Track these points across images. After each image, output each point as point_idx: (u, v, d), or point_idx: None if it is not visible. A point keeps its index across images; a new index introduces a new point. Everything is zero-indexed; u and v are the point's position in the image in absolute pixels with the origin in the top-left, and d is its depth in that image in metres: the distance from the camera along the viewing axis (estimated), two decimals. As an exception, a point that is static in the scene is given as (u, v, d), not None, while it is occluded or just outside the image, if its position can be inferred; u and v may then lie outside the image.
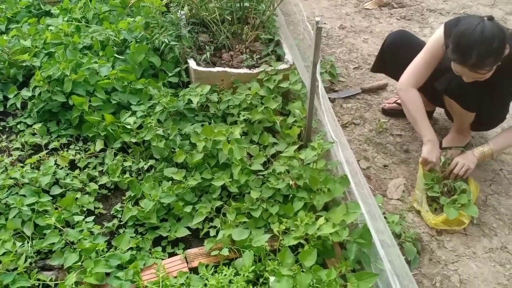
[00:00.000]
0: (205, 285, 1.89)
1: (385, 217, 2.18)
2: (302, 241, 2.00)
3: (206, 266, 2.02)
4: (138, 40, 3.13)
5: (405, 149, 2.75)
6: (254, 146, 2.47)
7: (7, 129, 2.84)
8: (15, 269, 1.94)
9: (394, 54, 2.68)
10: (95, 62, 2.90)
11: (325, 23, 4.00)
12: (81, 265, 1.96)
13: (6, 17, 3.58)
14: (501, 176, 2.57)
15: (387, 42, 2.72)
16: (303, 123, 2.50)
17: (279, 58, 2.97)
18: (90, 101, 2.74)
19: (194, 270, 2.04)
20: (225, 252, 2.03)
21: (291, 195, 2.20)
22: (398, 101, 3.01)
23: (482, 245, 2.22)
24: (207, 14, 3.09)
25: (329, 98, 3.09)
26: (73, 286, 1.87)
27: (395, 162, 2.66)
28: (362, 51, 3.61)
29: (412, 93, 2.42)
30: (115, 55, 3.06)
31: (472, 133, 2.74)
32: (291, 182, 2.19)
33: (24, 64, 3.02)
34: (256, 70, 2.84)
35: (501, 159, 2.67)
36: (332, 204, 2.20)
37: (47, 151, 2.63)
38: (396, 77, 2.58)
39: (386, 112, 3.02)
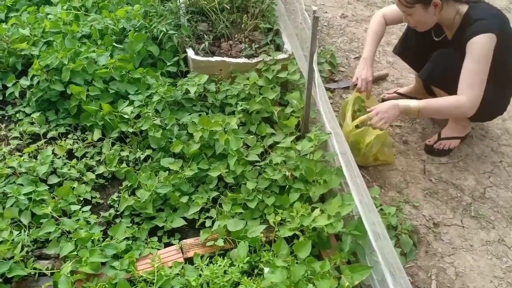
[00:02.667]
0: (200, 275, 1.89)
1: (381, 209, 2.19)
2: (298, 233, 2.00)
3: (202, 256, 2.03)
4: (136, 29, 3.10)
5: (404, 140, 2.73)
6: (252, 136, 2.45)
7: (6, 118, 2.84)
8: (12, 257, 1.95)
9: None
10: (93, 51, 2.89)
11: (326, 12, 3.95)
12: (77, 254, 1.97)
13: (6, 6, 3.56)
14: (501, 168, 2.55)
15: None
16: (301, 114, 2.49)
17: (278, 48, 2.94)
18: (88, 90, 2.74)
19: (190, 261, 2.04)
20: (220, 242, 2.03)
21: (287, 186, 2.20)
22: (399, 91, 2.99)
23: (479, 237, 2.21)
24: (206, 2, 3.06)
25: (329, 88, 3.07)
26: (69, 275, 1.87)
27: (394, 154, 2.64)
28: (363, 40, 3.57)
29: (376, 19, 2.60)
30: (114, 44, 3.04)
31: (472, 124, 2.72)
32: (287, 173, 2.18)
33: (23, 53, 3.01)
34: (254, 60, 2.81)
35: (501, 151, 2.64)
36: (329, 195, 2.20)
37: (45, 140, 2.63)
38: (413, 65, 2.62)
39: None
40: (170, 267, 1.96)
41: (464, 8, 2.25)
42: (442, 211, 2.33)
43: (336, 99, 3.02)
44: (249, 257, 1.95)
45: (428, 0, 2.18)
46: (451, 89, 2.26)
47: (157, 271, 1.93)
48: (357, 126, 2.40)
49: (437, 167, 2.56)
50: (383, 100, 2.99)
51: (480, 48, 2.13)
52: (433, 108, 2.22)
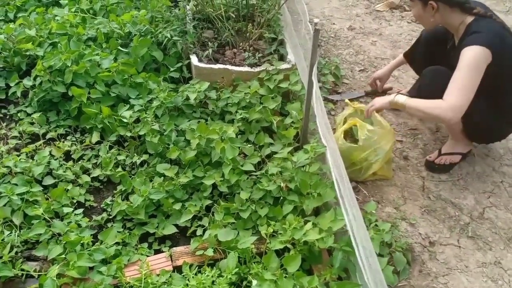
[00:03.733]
0: (187, 285, 1.87)
1: (376, 225, 2.15)
2: (289, 246, 1.97)
3: (191, 265, 2.00)
4: (142, 33, 3.11)
5: (404, 155, 2.69)
6: (249, 145, 2.43)
7: (7, 117, 2.86)
8: (0, 257, 1.94)
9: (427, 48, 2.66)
10: (97, 54, 2.90)
11: (334, 24, 3.94)
12: (65, 257, 1.96)
13: (16, 5, 3.60)
14: (501, 189, 2.49)
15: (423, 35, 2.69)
16: (300, 125, 2.46)
17: (282, 58, 2.93)
18: (89, 93, 2.74)
19: (179, 269, 2.02)
20: (210, 252, 2.00)
21: (281, 198, 2.17)
22: (401, 92, 2.99)
23: (475, 259, 2.16)
24: (212, 10, 3.07)
25: (332, 100, 3.04)
26: (55, 278, 1.86)
27: (393, 169, 2.60)
28: (370, 53, 3.55)
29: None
30: (119, 47, 3.06)
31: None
32: (282, 185, 2.16)
33: (28, 53, 3.03)
34: (257, 69, 2.80)
35: (502, 170, 2.59)
36: (324, 209, 2.16)
37: (44, 140, 2.63)
38: (419, 72, 2.66)
39: None
40: (158, 275, 1.94)
41: (469, 19, 2.25)
42: (439, 230, 2.28)
43: (338, 111, 2.99)
44: (238, 269, 1.92)
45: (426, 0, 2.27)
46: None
47: (144, 279, 1.91)
48: (345, 137, 2.45)
49: (436, 185, 2.51)
50: None
51: (467, 57, 2.12)
52: (416, 106, 2.22)
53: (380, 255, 2.05)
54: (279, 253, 2.01)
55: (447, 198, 2.44)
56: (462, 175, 2.57)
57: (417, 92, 2.40)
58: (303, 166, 2.20)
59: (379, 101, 2.40)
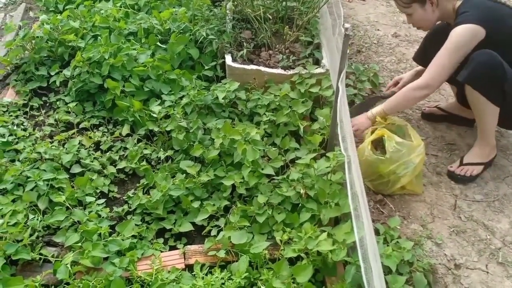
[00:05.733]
0: (195, 285, 1.85)
1: (397, 242, 2.05)
2: (302, 255, 1.92)
3: (202, 265, 1.99)
4: (181, 31, 3.14)
5: (438, 171, 2.56)
6: (274, 149, 2.39)
7: (47, 104, 2.96)
8: (21, 240, 2.01)
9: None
10: (134, 49, 2.95)
11: (378, 30, 3.82)
12: (81, 246, 2.00)
13: (65, -2, 3.74)
14: (540, 214, 2.32)
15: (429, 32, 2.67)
16: (327, 131, 2.40)
17: (317, 62, 2.87)
18: (124, 86, 2.79)
19: (191, 267, 2.01)
20: (222, 254, 1.98)
21: (300, 205, 2.12)
22: (440, 105, 2.90)
23: (503, 287, 2.02)
24: (251, 10, 3.05)
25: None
26: (68, 265, 1.90)
27: (424, 184, 2.48)
28: (412, 62, 3.39)
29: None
30: (158, 43, 3.10)
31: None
32: (301, 191, 2.10)
33: (70, 44, 3.13)
34: (290, 72, 2.75)
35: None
36: (344, 219, 2.09)
37: (77, 129, 2.71)
38: None
39: (426, 116, 2.89)
40: (169, 272, 1.94)
41: (458, 3, 2.34)
42: (466, 253, 2.15)
43: (372, 120, 2.89)
44: (248, 273, 1.89)
45: None
46: (494, 93, 2.24)
47: (155, 274, 1.92)
48: (376, 148, 2.38)
49: (469, 204, 2.37)
50: (423, 113, 2.91)
51: (450, 38, 2.25)
52: (395, 101, 2.40)
53: (398, 273, 1.95)
54: (293, 261, 1.96)
55: (479, 219, 2.30)
56: (499, 196, 2.41)
57: (469, 75, 2.27)
58: (324, 174, 2.13)
59: (359, 121, 2.48)
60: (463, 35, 2.22)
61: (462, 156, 2.52)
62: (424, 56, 2.70)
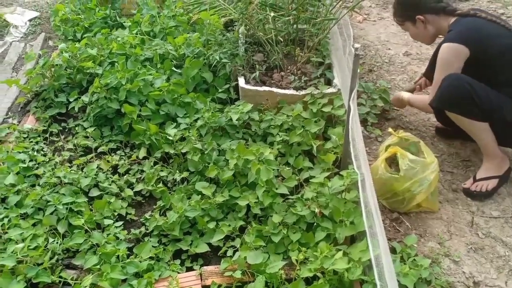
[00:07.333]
0: (211, 305, 1.87)
1: (414, 260, 2.04)
2: (319, 274, 1.92)
3: (219, 286, 2.00)
4: (195, 55, 3.22)
5: (454, 188, 2.55)
6: (288, 168, 2.42)
7: (66, 130, 3.04)
8: (41, 264, 2.05)
9: None
10: (150, 74, 3.03)
11: (389, 49, 3.86)
12: (100, 268, 2.03)
13: (84, 26, 3.87)
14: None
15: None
16: (340, 150, 2.42)
17: (329, 82, 2.91)
18: (140, 110, 2.86)
19: (207, 288, 2.03)
20: (238, 274, 1.99)
21: (315, 224, 2.12)
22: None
23: (525, 306, 1.98)
24: (263, 34, 3.12)
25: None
26: (88, 287, 1.93)
27: (440, 201, 2.47)
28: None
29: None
30: (173, 68, 3.18)
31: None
32: (316, 210, 2.11)
33: (88, 71, 3.23)
34: (302, 92, 2.80)
35: None
36: (359, 238, 2.09)
37: (96, 154, 2.77)
38: None
39: (440, 131, 2.89)
40: (186, 293, 1.96)
41: (452, 20, 2.45)
42: (485, 270, 2.12)
43: (386, 137, 2.90)
44: (264, 293, 1.89)
45: (413, 17, 2.53)
46: (470, 111, 2.29)
47: (172, 295, 1.93)
48: (390, 165, 2.37)
49: (486, 221, 2.35)
50: (437, 128, 2.93)
51: (439, 55, 2.38)
52: (418, 101, 2.71)
53: (416, 291, 1.94)
54: (309, 281, 1.96)
55: (497, 236, 2.27)
56: (517, 212, 2.39)
57: (439, 99, 2.40)
58: (339, 193, 2.14)
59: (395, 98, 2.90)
60: (447, 53, 2.33)
61: (475, 174, 2.51)
62: (432, 72, 2.72)
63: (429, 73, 2.86)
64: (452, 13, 2.46)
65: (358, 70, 2.01)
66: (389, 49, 3.87)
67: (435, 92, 2.40)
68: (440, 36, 2.59)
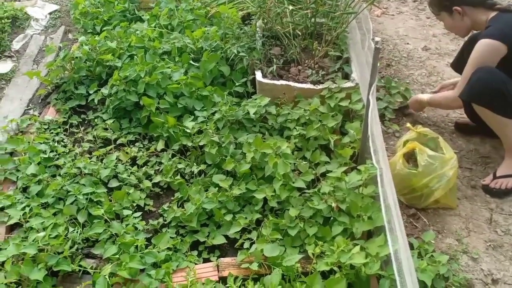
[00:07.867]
0: (228, 296, 1.88)
1: (432, 256, 2.03)
2: (335, 268, 1.92)
3: (236, 278, 2.02)
4: (213, 49, 3.23)
5: (472, 184, 2.52)
6: (304, 162, 2.42)
7: (86, 122, 3.09)
8: (61, 253, 2.09)
9: None
10: (169, 67, 3.05)
11: (407, 43, 3.82)
12: (119, 257, 2.06)
13: (103, 20, 3.90)
14: None
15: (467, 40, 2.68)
16: (358, 144, 2.41)
17: (347, 76, 2.89)
18: (159, 103, 2.89)
19: (224, 280, 2.05)
20: (255, 266, 2.01)
21: (332, 218, 2.13)
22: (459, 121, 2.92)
23: (544, 304, 1.96)
24: (280, 28, 3.11)
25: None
26: (107, 277, 1.96)
27: (458, 198, 2.45)
28: (443, 75, 3.39)
29: None
30: (190, 61, 3.19)
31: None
32: (333, 205, 2.12)
33: (108, 63, 3.26)
34: (320, 86, 2.79)
35: None
36: (377, 232, 2.09)
37: (115, 145, 2.81)
38: None
39: (459, 127, 2.86)
40: (203, 284, 1.98)
41: (492, 14, 2.39)
42: (504, 267, 2.11)
43: (403, 132, 2.88)
44: (281, 286, 1.90)
45: (450, 8, 2.46)
46: (499, 106, 2.27)
47: (190, 286, 1.96)
48: (408, 161, 2.36)
49: (505, 218, 2.33)
50: (456, 124, 2.91)
51: (474, 51, 2.33)
52: (437, 99, 2.68)
53: (434, 288, 1.93)
54: (326, 274, 1.97)
55: (516, 233, 2.25)
56: (536, 210, 2.36)
57: (469, 92, 2.36)
58: (356, 187, 2.14)
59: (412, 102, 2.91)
60: (484, 50, 2.29)
61: (495, 171, 2.48)
62: (460, 63, 2.71)
63: (455, 65, 2.85)
64: (491, 7, 2.40)
65: (378, 64, 2.00)
66: (408, 43, 3.83)
67: (463, 85, 2.36)
68: (473, 30, 2.56)
